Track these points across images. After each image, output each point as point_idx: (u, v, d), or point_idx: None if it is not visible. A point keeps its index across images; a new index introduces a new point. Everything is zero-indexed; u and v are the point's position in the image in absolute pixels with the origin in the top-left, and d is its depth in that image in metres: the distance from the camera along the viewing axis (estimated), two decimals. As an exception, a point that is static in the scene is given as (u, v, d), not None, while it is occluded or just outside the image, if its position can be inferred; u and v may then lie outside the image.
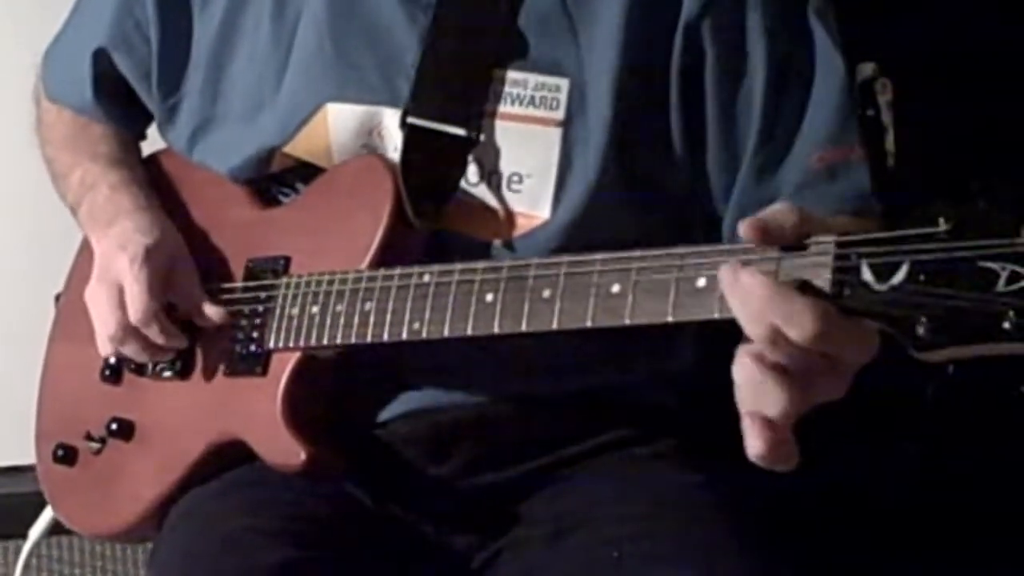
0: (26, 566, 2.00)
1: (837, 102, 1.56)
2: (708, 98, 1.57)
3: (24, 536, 1.96)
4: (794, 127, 1.56)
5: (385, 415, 1.65)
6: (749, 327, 1.21)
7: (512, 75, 1.58)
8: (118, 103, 1.84)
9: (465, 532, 1.66)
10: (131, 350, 1.69)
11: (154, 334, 1.67)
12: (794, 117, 1.56)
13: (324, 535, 1.59)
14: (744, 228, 1.23)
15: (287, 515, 1.59)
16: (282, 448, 1.59)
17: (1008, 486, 2.05)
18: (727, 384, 1.43)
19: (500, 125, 1.59)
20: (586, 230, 1.57)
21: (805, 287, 1.20)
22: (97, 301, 1.70)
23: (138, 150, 1.88)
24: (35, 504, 1.90)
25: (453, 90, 1.59)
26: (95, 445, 1.76)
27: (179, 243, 1.72)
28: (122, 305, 1.67)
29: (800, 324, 1.17)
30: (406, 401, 1.64)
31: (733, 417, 1.28)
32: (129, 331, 1.67)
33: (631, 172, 1.59)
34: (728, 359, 1.26)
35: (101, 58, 1.81)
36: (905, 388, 1.87)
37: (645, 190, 1.60)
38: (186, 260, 1.71)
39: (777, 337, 1.19)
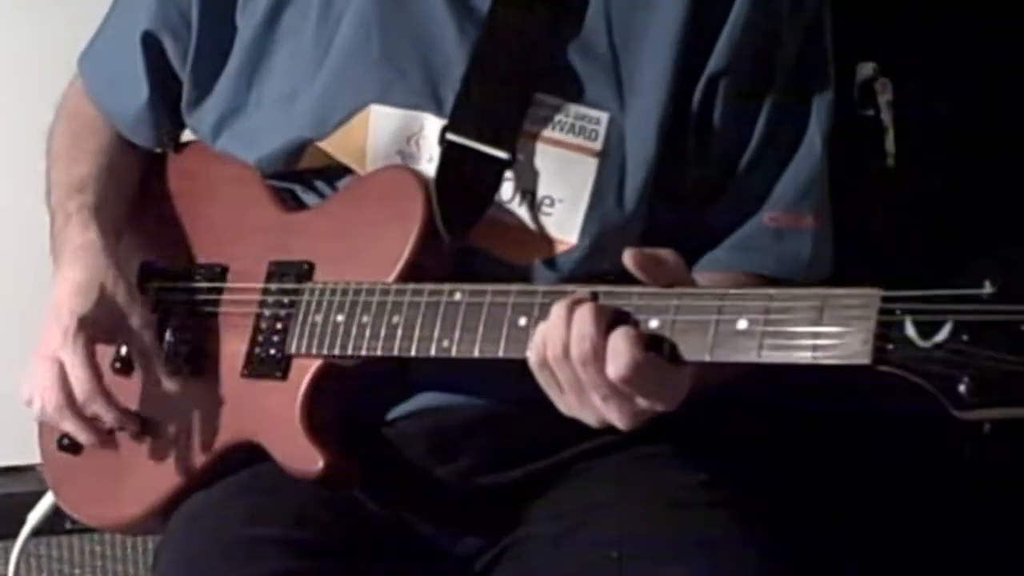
0: (24, 565, 1.98)
1: (804, 175, 1.65)
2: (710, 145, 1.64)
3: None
4: (763, 189, 1.65)
5: (392, 414, 1.66)
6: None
7: (554, 101, 1.61)
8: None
9: (469, 535, 1.68)
10: (72, 427, 1.66)
11: (100, 408, 1.64)
12: (765, 181, 1.65)
13: (326, 543, 1.60)
14: (630, 255, 1.36)
15: (289, 523, 1.60)
16: (301, 454, 1.59)
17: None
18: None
19: (540, 147, 1.61)
20: (609, 260, 1.58)
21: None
22: (40, 376, 1.66)
23: (128, 162, 1.84)
24: (34, 505, 1.90)
25: (495, 111, 1.60)
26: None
27: (120, 283, 1.69)
28: (65, 383, 1.64)
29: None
30: (413, 400, 1.65)
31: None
32: (72, 410, 1.64)
33: (658, 207, 1.63)
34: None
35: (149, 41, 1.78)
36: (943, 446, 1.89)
37: (668, 224, 1.63)
38: (133, 297, 1.69)
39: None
